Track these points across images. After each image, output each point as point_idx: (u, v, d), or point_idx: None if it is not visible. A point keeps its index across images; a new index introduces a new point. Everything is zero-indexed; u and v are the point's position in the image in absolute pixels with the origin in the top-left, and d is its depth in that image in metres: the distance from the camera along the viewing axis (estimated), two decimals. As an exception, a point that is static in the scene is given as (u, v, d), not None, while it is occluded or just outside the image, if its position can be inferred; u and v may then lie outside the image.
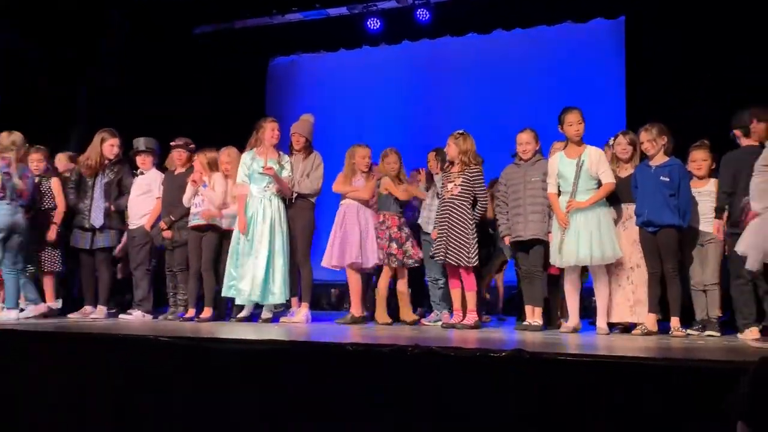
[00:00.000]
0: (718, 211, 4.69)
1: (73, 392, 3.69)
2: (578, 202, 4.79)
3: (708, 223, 4.81)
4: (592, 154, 4.86)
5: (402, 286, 5.57)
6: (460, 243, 5.03)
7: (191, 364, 3.52)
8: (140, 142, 6.12)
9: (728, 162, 4.68)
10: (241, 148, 5.73)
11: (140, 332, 4.17)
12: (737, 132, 4.77)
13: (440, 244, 5.11)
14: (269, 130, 5.59)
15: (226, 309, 5.83)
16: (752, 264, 3.89)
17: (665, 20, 6.72)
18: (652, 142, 4.73)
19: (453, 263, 5.07)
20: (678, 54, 6.60)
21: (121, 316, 5.89)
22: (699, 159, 4.91)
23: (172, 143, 6.04)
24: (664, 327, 4.70)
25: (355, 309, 5.52)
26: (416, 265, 5.56)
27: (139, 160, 6.10)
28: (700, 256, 4.84)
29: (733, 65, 6.16)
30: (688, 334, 4.60)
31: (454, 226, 5.07)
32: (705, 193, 4.85)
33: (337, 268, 5.58)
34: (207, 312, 5.63)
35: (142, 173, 6.10)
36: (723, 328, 4.72)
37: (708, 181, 4.90)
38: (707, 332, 4.65)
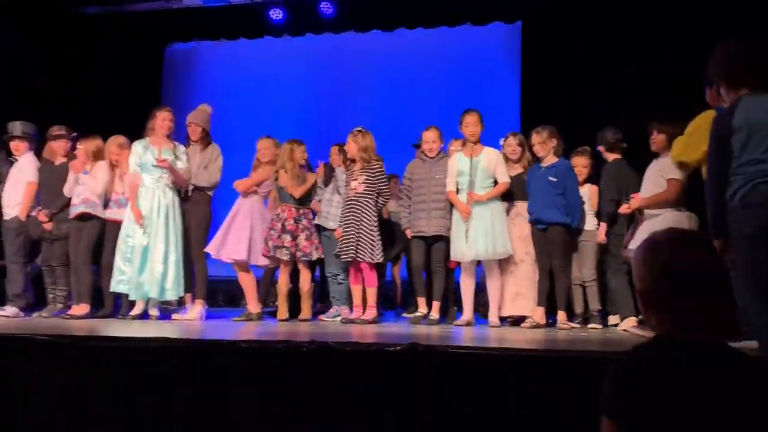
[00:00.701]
0: (604, 216, 4.99)
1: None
2: (478, 195, 4.94)
3: (584, 222, 5.12)
4: (491, 154, 5.05)
5: (303, 282, 5.51)
6: (368, 240, 5.05)
7: (77, 364, 3.31)
8: (16, 127, 5.71)
9: (612, 172, 5.02)
10: (134, 138, 5.48)
11: (13, 331, 3.88)
12: (601, 148, 5.18)
13: (349, 243, 5.07)
14: (160, 119, 5.37)
15: (113, 306, 5.55)
16: None
17: (559, 27, 7.02)
18: (543, 144, 4.97)
19: (361, 260, 5.07)
20: (570, 59, 6.92)
21: None
22: (580, 165, 5.22)
23: (51, 132, 5.68)
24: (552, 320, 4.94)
25: (252, 306, 5.40)
26: (306, 259, 5.39)
27: (13, 145, 5.70)
28: (579, 253, 5.13)
29: (620, 72, 6.53)
30: (572, 327, 4.84)
31: (363, 224, 5.07)
32: (581, 196, 5.14)
33: (219, 258, 5.38)
34: (82, 308, 5.35)
35: (16, 160, 5.71)
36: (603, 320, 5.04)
37: (584, 185, 5.21)
38: (590, 325, 4.92)
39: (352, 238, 5.07)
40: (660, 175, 4.38)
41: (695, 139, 3.65)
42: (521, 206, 5.12)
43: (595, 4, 6.79)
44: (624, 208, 4.71)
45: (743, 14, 5.71)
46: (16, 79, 7.24)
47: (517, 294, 5.05)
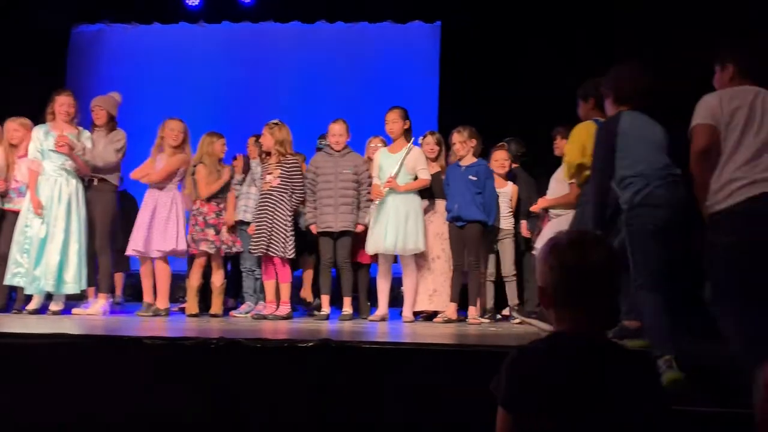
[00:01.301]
0: (523, 215, 5.26)
1: None
2: (398, 184, 4.97)
3: (505, 221, 5.28)
4: (413, 152, 5.08)
5: (217, 277, 5.36)
6: (281, 235, 4.97)
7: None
8: None
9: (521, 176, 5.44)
10: (37, 123, 5.16)
11: None
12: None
13: (261, 237, 4.98)
14: (59, 104, 5.07)
15: (8, 300, 5.20)
16: None
17: (477, 28, 7.15)
18: (463, 143, 5.07)
19: (274, 255, 4.98)
20: (488, 61, 7.07)
21: None
22: (501, 159, 5.40)
23: None
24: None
25: (161, 300, 5.18)
26: (230, 252, 5.35)
27: None
28: (499, 250, 5.28)
29: (534, 74, 6.72)
30: (482, 322, 4.95)
31: (277, 219, 4.99)
32: (504, 195, 5.30)
33: (138, 255, 5.20)
34: None
35: None
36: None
37: (506, 184, 5.38)
38: (515, 320, 4.99)
39: (265, 232, 4.98)
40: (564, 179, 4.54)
41: (581, 145, 3.80)
42: (438, 204, 5.21)
43: (513, 7, 6.95)
44: (533, 208, 4.88)
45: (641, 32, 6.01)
46: None
47: (434, 290, 5.12)
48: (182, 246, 5.16)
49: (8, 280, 4.95)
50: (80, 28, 8.46)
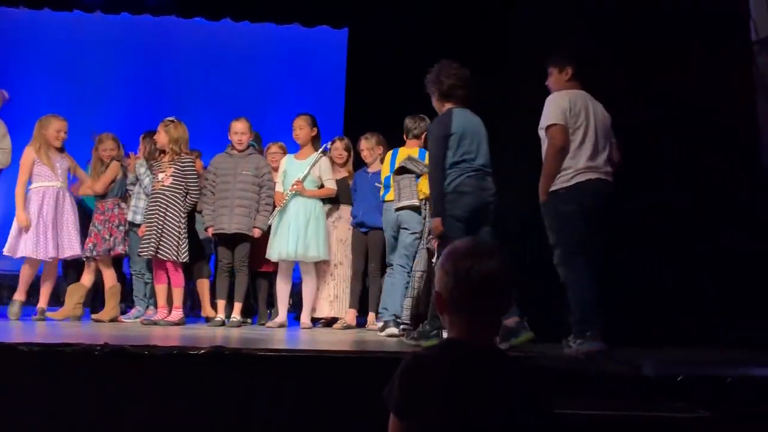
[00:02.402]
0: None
1: None
2: (304, 188, 4.91)
3: None
4: (322, 160, 5.05)
5: (109, 278, 5.12)
6: (172, 237, 4.77)
7: None
8: None
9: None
10: None
11: None
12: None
13: (150, 238, 4.77)
14: None
15: None
16: None
17: (385, 35, 7.20)
18: (371, 150, 5.09)
19: (164, 258, 4.78)
20: (393, 68, 7.13)
21: None
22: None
23: None
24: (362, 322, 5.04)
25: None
26: (113, 253, 5.14)
27: None
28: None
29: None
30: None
31: (168, 220, 4.79)
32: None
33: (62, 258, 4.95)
34: None
35: None
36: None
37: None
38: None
39: (155, 234, 4.78)
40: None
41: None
42: (344, 210, 5.19)
43: (420, 14, 7.05)
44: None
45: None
46: None
47: (335, 296, 5.09)
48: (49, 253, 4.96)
49: None
50: (-40, 9, 7.82)
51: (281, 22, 7.82)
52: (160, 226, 4.78)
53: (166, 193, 4.86)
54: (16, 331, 4.02)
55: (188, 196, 4.92)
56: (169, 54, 7.96)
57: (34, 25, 7.88)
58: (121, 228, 5.14)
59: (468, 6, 6.48)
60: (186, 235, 4.86)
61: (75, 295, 5.09)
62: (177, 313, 4.86)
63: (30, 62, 7.75)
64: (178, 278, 4.88)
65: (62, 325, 4.62)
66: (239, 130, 5.02)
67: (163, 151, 4.96)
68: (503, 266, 1.55)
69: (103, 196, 5.19)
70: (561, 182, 3.48)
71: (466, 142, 3.64)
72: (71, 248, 4.98)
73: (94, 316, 5.16)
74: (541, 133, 3.60)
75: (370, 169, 5.11)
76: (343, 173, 5.30)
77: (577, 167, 3.47)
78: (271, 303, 5.37)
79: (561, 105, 3.49)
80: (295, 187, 4.90)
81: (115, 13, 7.73)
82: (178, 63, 7.96)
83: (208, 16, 7.75)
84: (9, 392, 2.76)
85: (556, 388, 1.94)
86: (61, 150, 5.12)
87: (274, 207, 5.00)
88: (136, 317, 5.13)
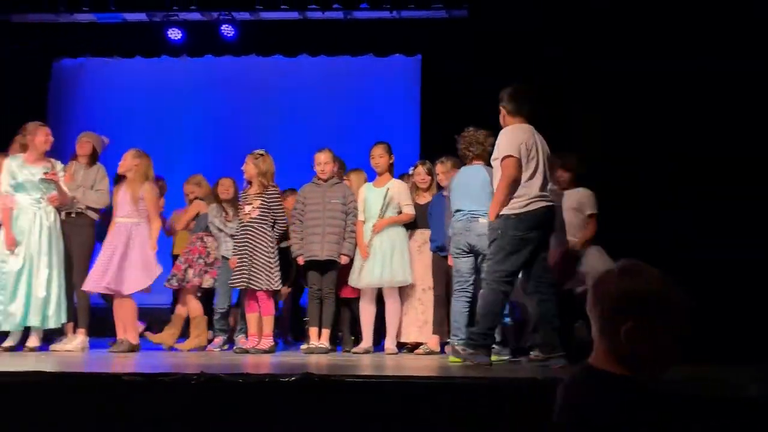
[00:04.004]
0: None
1: None
2: (383, 220, 5.00)
3: None
4: (396, 186, 5.12)
5: (194, 310, 5.34)
6: (262, 267, 4.92)
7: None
8: None
9: None
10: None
11: None
12: None
13: (242, 270, 4.94)
14: (43, 135, 5.03)
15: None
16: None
17: (457, 61, 7.25)
18: (446, 174, 5.09)
19: (257, 288, 4.93)
20: (468, 92, 7.15)
21: None
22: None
23: None
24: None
25: (132, 335, 5.02)
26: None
27: None
28: None
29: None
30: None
31: (257, 250, 4.95)
32: None
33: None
34: None
35: None
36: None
37: None
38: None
39: (245, 265, 4.94)
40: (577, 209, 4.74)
41: None
42: (429, 234, 5.17)
43: (491, 40, 7.07)
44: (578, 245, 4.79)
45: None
46: None
47: (424, 322, 5.06)
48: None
49: (-15, 318, 4.85)
50: (62, 61, 8.47)
51: (356, 53, 8.02)
52: (250, 258, 4.94)
53: (254, 224, 5.03)
54: (117, 362, 4.24)
55: (276, 226, 5.08)
56: (251, 91, 8.29)
57: (128, 71, 8.42)
58: (201, 260, 5.35)
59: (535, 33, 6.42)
60: (277, 264, 4.99)
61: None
62: (267, 341, 4.99)
63: (124, 105, 8.26)
64: (269, 307, 5.02)
65: (157, 355, 4.85)
66: (322, 160, 5.16)
67: (250, 183, 5.15)
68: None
69: (191, 230, 5.50)
70: (515, 208, 3.79)
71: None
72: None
73: (178, 345, 5.40)
74: (495, 163, 3.92)
75: (447, 193, 5.11)
76: (427, 198, 5.30)
77: (531, 195, 3.80)
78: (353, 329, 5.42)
79: (517, 139, 3.83)
80: (375, 229, 5.00)
81: (199, 56, 8.17)
82: (259, 99, 8.27)
83: (286, 53, 8.06)
84: (114, 419, 2.92)
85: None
86: None
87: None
88: (222, 347, 5.31)
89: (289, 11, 7.67)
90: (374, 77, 8.19)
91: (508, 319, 4.75)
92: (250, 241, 4.98)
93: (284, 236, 5.26)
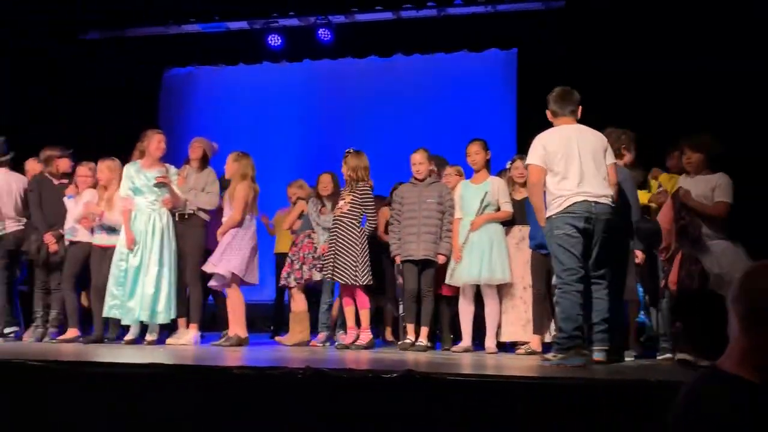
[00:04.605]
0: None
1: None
2: (480, 217, 4.97)
3: None
4: (495, 183, 5.07)
5: (298, 305, 5.51)
6: (347, 261, 5.02)
7: (69, 390, 3.25)
8: None
9: None
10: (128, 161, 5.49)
11: (7, 356, 3.81)
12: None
13: (328, 261, 5.11)
14: (156, 141, 5.36)
15: (105, 330, 5.46)
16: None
17: (554, 54, 7.07)
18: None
19: (340, 281, 5.06)
20: (567, 84, 6.94)
21: None
22: None
23: (54, 152, 5.69)
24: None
25: (240, 329, 5.25)
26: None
27: None
28: None
29: (613, 100, 6.56)
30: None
31: (342, 244, 5.06)
32: None
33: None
34: (72, 332, 5.34)
35: None
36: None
37: None
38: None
39: (331, 258, 5.08)
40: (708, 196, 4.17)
41: None
42: (527, 231, 5.06)
43: (588, 31, 6.85)
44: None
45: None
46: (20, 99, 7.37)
47: (528, 320, 4.96)
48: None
49: (106, 312, 5.23)
50: (172, 71, 8.98)
51: (450, 50, 7.99)
52: (335, 251, 5.07)
53: (343, 219, 5.14)
54: (228, 355, 4.44)
55: (367, 222, 5.17)
56: (348, 92, 8.45)
57: (232, 77, 8.81)
58: (309, 255, 5.52)
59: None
60: (366, 260, 5.07)
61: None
62: (366, 335, 5.07)
63: (230, 110, 8.66)
64: (364, 300, 5.11)
65: (263, 350, 5.04)
66: (417, 161, 5.19)
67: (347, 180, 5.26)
68: None
69: (294, 231, 5.68)
70: (553, 209, 3.86)
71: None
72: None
73: (278, 338, 5.60)
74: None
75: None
76: (524, 193, 5.17)
77: (567, 194, 3.83)
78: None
79: (537, 147, 3.94)
80: (472, 227, 4.96)
81: (298, 61, 8.42)
82: (356, 99, 8.42)
83: (381, 53, 8.16)
84: (224, 410, 3.07)
85: None
86: None
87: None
88: (324, 342, 5.44)
89: (384, 11, 7.75)
90: (469, 73, 8.13)
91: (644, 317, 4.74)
92: (338, 235, 5.09)
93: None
